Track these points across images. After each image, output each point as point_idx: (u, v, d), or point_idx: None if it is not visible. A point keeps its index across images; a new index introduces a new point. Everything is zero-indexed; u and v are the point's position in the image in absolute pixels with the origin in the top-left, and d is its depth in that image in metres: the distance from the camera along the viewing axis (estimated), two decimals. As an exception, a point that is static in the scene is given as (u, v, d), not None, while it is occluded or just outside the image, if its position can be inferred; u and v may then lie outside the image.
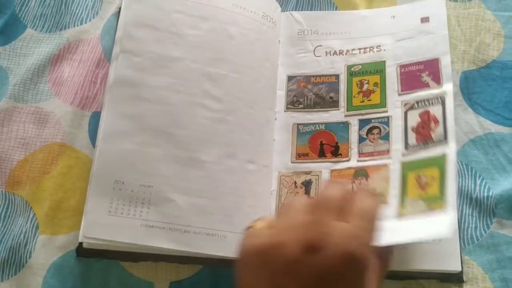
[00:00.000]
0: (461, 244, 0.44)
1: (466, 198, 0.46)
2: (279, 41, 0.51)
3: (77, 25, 0.53)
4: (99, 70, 0.51)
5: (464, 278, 0.44)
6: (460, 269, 0.42)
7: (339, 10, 0.53)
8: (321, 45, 0.50)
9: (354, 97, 0.48)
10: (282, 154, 0.47)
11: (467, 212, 0.45)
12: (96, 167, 0.44)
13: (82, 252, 0.45)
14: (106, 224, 0.42)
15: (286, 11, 0.53)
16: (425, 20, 0.49)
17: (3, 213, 0.47)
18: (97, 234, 0.42)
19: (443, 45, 0.47)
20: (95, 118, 0.49)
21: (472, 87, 0.49)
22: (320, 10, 0.53)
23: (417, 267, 0.43)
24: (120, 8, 0.52)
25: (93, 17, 0.53)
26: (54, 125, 0.49)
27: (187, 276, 0.45)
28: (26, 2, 0.54)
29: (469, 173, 0.47)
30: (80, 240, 0.42)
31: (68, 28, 0.53)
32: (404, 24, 0.49)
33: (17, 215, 0.47)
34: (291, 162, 0.47)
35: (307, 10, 0.53)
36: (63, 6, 0.54)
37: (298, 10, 0.53)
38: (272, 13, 0.50)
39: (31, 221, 0.46)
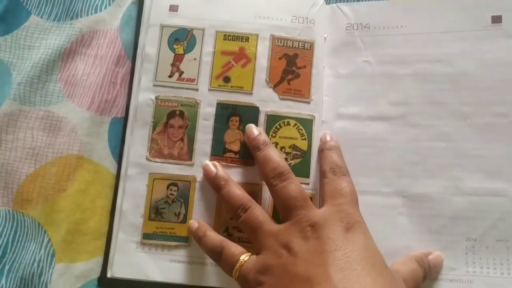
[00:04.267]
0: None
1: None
2: (325, 38, 0.44)
3: (91, 13, 0.45)
4: (119, 69, 0.44)
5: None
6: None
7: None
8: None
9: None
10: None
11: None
12: None
13: (105, 282, 0.39)
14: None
15: (332, 3, 0.46)
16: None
17: (11, 236, 0.41)
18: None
19: None
20: (116, 125, 0.43)
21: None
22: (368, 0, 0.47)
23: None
24: (141, -5, 0.45)
25: (109, 4, 0.46)
26: (69, 134, 0.42)
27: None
28: (28, -16, 0.46)
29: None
30: (110, 276, 0.38)
31: (81, 16, 0.45)
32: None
33: (28, 240, 0.40)
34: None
35: (354, 1, 0.46)
36: (73, -11, 0.46)
37: (345, 1, 0.46)
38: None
39: (45, 248, 0.40)
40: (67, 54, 0.44)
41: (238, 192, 0.37)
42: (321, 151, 0.40)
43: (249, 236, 0.37)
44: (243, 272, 0.34)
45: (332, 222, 0.33)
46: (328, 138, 0.41)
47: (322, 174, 0.38)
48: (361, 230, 0.34)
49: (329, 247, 0.32)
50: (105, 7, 0.46)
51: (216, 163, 0.40)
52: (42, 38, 0.45)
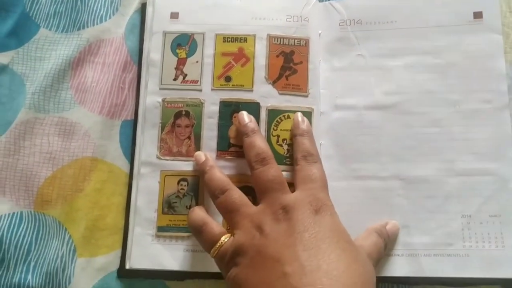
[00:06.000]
0: (524, 248, 0.42)
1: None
2: (319, 34, 0.47)
3: (97, 24, 0.48)
4: (126, 74, 0.46)
5: (529, 284, 0.42)
6: (526, 275, 0.41)
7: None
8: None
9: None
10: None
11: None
12: None
13: (124, 273, 0.42)
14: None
15: (324, 0, 0.48)
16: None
17: (35, 235, 0.43)
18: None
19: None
20: (126, 128, 0.46)
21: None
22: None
23: (479, 275, 0.41)
24: (143, 4, 0.48)
25: (113, 14, 0.48)
26: (83, 137, 0.45)
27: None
28: (36, -1, 0.49)
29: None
30: (128, 267, 0.41)
31: (87, 27, 0.48)
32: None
33: (51, 237, 0.43)
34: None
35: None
36: (78, 2, 0.49)
37: (337, -2, 0.49)
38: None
39: (67, 244, 0.43)
40: (76, 63, 0.47)
41: (219, 175, 0.39)
42: (294, 136, 0.42)
43: (225, 218, 0.39)
44: (222, 252, 0.36)
45: (302, 206, 0.35)
46: (300, 120, 0.42)
47: (294, 161, 0.40)
48: (328, 212, 0.36)
49: (298, 229, 0.34)
50: (110, 17, 0.48)
51: (206, 154, 0.42)
52: (52, 49, 0.47)
